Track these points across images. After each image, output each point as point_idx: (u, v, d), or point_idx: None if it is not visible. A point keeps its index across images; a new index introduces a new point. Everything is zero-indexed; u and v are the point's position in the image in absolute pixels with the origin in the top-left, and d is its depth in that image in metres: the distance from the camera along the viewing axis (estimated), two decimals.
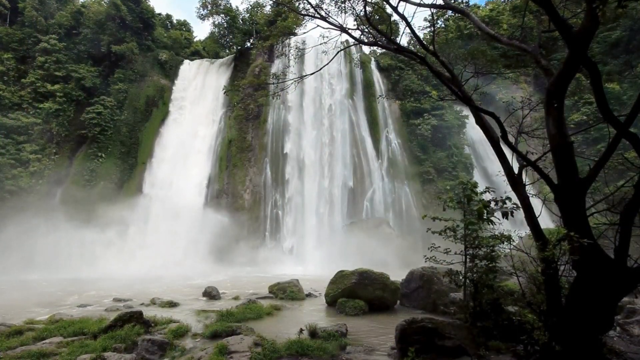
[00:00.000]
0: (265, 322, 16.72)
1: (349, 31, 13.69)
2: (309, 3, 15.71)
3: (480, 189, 12.52)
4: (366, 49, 75.55)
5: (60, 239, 48.03)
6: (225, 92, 66.39)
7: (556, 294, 8.87)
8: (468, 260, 12.36)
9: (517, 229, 12.26)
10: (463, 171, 62.53)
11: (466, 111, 63.10)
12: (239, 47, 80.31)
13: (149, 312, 16.89)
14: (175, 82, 71.72)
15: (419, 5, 13.15)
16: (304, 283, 27.13)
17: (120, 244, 50.47)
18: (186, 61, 76.37)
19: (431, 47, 12.49)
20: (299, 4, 16.73)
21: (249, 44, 78.60)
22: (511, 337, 10.56)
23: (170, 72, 72.50)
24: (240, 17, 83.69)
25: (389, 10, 14.51)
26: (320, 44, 17.52)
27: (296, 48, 45.29)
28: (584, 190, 8.50)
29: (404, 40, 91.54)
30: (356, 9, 15.34)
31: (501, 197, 10.78)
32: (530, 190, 10.33)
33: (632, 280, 8.02)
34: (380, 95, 52.19)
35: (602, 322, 8.33)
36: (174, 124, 66.64)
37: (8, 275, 39.87)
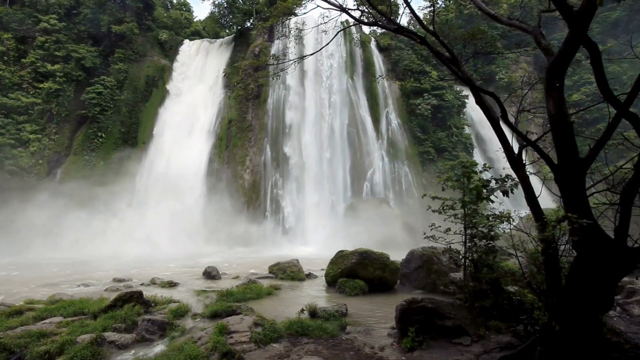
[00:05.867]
0: (265, 302, 16.74)
1: (349, 11, 13.60)
2: None
3: (479, 168, 12.53)
4: (366, 29, 75.58)
5: (60, 219, 48.19)
6: (225, 75, 66.39)
7: (556, 274, 8.86)
8: (467, 239, 12.37)
9: (517, 209, 12.28)
10: (463, 151, 62.80)
11: (466, 91, 63.41)
12: (239, 27, 79.88)
13: (149, 292, 16.95)
14: (175, 62, 71.73)
15: None
16: (304, 263, 27.18)
17: (120, 224, 50.58)
18: (186, 41, 76.34)
19: (431, 27, 12.43)
20: None
21: (249, 24, 78.14)
22: (511, 317, 10.57)
23: (170, 52, 72.46)
24: None
25: None
26: (320, 24, 17.41)
27: (296, 28, 45.22)
28: (584, 170, 8.48)
29: (404, 20, 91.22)
30: None
31: (500, 175, 10.78)
32: (530, 170, 10.31)
33: (632, 260, 8.02)
34: (380, 76, 52.02)
35: (602, 302, 8.33)
36: (173, 104, 66.60)
37: (8, 255, 39.97)
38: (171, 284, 21.67)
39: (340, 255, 20.92)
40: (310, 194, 56.15)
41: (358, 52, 69.34)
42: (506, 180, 10.63)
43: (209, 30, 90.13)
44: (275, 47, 66.70)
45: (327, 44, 18.18)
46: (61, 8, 64.66)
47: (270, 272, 25.08)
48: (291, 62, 17.16)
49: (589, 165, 8.48)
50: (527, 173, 9.92)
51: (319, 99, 62.56)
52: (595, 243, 8.16)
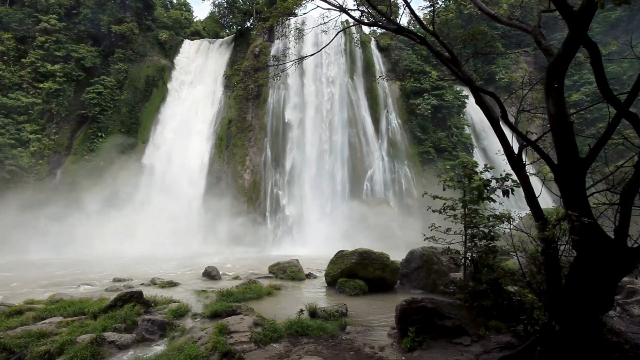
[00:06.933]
0: (265, 302, 16.78)
1: (349, 11, 13.61)
2: None
3: (480, 168, 12.54)
4: (366, 29, 75.49)
5: (60, 219, 48.18)
6: (226, 77, 66.36)
7: (556, 274, 8.86)
8: (468, 239, 12.39)
9: (517, 210, 12.28)
10: (463, 151, 62.82)
11: (466, 91, 63.44)
12: (239, 27, 79.80)
13: (149, 292, 16.95)
14: (175, 62, 71.60)
15: None
16: (304, 263, 27.24)
17: (120, 224, 50.47)
18: (186, 41, 76.18)
19: (431, 27, 12.43)
20: None
21: (249, 24, 78.01)
22: (511, 317, 10.59)
23: (170, 52, 72.33)
24: None
25: None
26: (320, 24, 17.41)
27: (296, 29, 45.19)
28: (584, 170, 8.48)
29: (403, 20, 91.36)
30: None
31: (501, 174, 10.78)
32: (530, 170, 10.32)
33: (632, 260, 8.02)
34: (380, 76, 52.11)
35: (602, 302, 8.33)
36: (173, 104, 66.53)
37: (8, 256, 40.00)
38: (171, 284, 21.69)
39: (340, 255, 20.93)
40: (310, 194, 56.13)
41: (358, 52, 69.30)
42: (506, 179, 10.64)
43: (209, 30, 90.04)
44: (275, 47, 66.62)
45: (327, 45, 18.18)
46: (61, 8, 64.73)
47: (270, 272, 25.12)
48: (291, 63, 17.17)
49: (589, 165, 8.49)
50: (527, 173, 9.92)
51: (319, 98, 62.49)
52: (595, 243, 8.17)
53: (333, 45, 56.13)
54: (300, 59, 17.73)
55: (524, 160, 10.08)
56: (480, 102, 10.65)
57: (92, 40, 65.76)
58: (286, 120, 60.76)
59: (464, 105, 67.72)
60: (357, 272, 19.63)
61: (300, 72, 62.52)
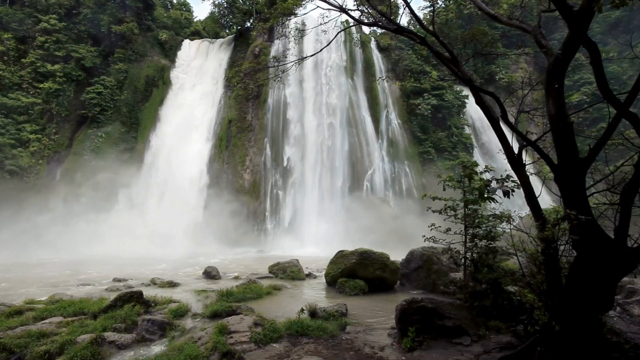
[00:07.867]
0: (265, 302, 16.74)
1: (349, 11, 13.60)
2: None
3: (480, 168, 12.53)
4: (366, 29, 75.46)
5: (60, 219, 48.19)
6: (226, 77, 66.32)
7: (556, 274, 8.85)
8: (468, 239, 12.38)
9: (517, 210, 12.28)
10: (463, 151, 62.81)
11: (466, 91, 63.36)
12: (239, 27, 79.73)
13: (149, 292, 16.91)
14: (175, 62, 71.59)
15: None
16: (304, 263, 27.27)
17: (120, 224, 50.44)
18: (186, 41, 76.09)
19: (431, 28, 12.44)
20: None
21: (249, 24, 77.93)
22: (511, 317, 10.57)
23: (170, 52, 72.30)
24: None
25: None
26: (320, 24, 17.39)
27: (296, 29, 45.09)
28: (584, 170, 8.47)
29: (404, 20, 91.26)
30: None
31: (501, 175, 10.78)
32: (530, 170, 10.30)
33: (632, 260, 8.01)
34: (380, 77, 52.06)
35: (602, 302, 8.32)
36: (173, 104, 66.45)
37: (8, 256, 39.91)
38: (171, 284, 21.66)
39: (340, 255, 20.91)
40: (310, 194, 56.08)
41: (358, 52, 69.33)
42: (507, 180, 10.63)
43: (209, 30, 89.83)
44: (275, 47, 66.53)
45: (327, 45, 18.15)
46: (61, 8, 64.61)
47: (270, 272, 25.11)
48: (291, 63, 17.16)
49: (589, 165, 8.49)
50: (527, 173, 9.92)
51: (319, 98, 62.36)
52: (595, 243, 8.16)
53: (333, 45, 56.09)
54: (301, 59, 17.72)
55: (524, 160, 10.08)
56: (480, 102, 10.65)
57: (92, 40, 65.69)
58: (286, 120, 60.63)
59: (464, 105, 67.77)
60: (357, 272, 19.63)
61: (300, 72, 62.17)
